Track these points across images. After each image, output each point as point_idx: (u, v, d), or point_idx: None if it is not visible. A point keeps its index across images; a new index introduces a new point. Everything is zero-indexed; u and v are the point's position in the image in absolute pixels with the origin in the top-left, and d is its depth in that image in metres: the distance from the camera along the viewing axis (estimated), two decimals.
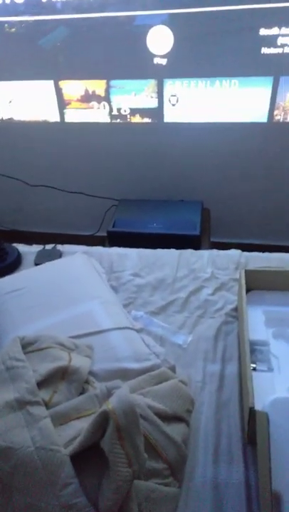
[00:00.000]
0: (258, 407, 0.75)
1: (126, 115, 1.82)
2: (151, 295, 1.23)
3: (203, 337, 1.07)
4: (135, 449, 0.68)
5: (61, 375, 0.84)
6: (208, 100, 1.72)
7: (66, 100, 1.84)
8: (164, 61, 1.65)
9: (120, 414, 0.68)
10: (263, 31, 1.52)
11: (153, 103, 1.77)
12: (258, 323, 1.04)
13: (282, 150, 1.82)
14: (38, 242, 1.47)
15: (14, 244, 1.44)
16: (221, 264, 1.32)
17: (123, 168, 2.00)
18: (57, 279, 1.20)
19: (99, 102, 1.81)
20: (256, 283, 1.12)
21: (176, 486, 0.75)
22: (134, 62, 1.68)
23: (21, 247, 1.43)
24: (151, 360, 0.95)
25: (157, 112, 1.80)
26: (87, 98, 1.81)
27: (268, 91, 1.66)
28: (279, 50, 1.55)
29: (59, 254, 1.39)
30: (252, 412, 0.75)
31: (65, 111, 1.87)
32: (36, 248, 1.43)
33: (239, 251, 1.38)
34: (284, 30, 1.51)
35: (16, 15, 1.64)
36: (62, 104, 1.85)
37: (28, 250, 1.42)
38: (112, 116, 1.84)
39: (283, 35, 1.52)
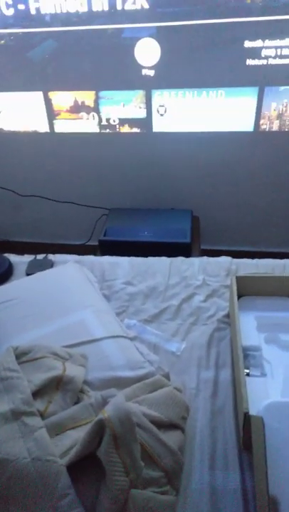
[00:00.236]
0: (252, 412, 0.76)
1: (115, 125, 1.85)
2: (144, 303, 1.23)
3: (197, 344, 1.08)
4: (132, 457, 0.68)
5: (56, 384, 0.84)
6: (196, 110, 1.75)
7: (56, 111, 1.85)
8: (151, 72, 1.68)
9: (116, 422, 0.68)
10: (248, 43, 1.56)
11: (141, 113, 1.80)
12: (250, 328, 1.06)
13: (268, 158, 1.86)
14: (29, 252, 1.47)
15: (5, 255, 1.43)
16: (212, 271, 1.34)
17: (113, 177, 2.02)
18: (49, 288, 1.20)
19: (88, 113, 1.83)
20: (247, 289, 1.14)
21: (173, 493, 0.75)
22: (123, 74, 1.70)
23: (12, 257, 1.43)
24: (146, 368, 0.95)
25: (146, 122, 1.82)
26: (77, 109, 1.82)
27: (253, 101, 1.70)
28: (263, 62, 1.59)
29: (50, 264, 1.39)
30: (247, 417, 0.75)
31: (54, 121, 1.88)
32: (28, 258, 1.43)
33: (229, 258, 1.39)
34: (267, 42, 1.55)
35: (5, 27, 1.65)
36: (51, 114, 1.86)
37: (19, 260, 1.42)
38: (101, 127, 1.86)
39: (267, 48, 1.57)
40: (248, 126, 1.77)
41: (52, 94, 1.81)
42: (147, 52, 1.63)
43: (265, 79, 1.63)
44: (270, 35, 1.53)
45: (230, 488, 0.77)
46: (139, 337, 1.09)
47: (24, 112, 1.87)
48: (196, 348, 1.07)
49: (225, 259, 1.39)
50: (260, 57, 1.58)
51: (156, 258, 1.41)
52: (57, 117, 1.87)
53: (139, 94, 1.75)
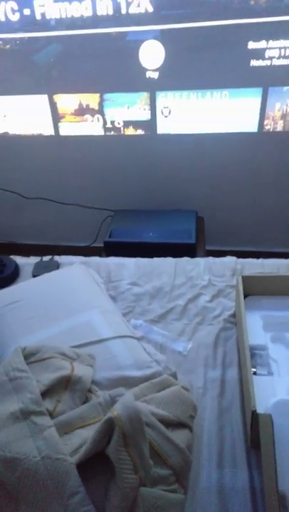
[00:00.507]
0: (259, 410, 0.76)
1: (119, 127, 1.86)
2: (150, 303, 1.24)
3: (203, 343, 1.09)
4: (141, 455, 0.69)
5: (64, 384, 0.85)
6: (200, 111, 1.76)
7: (60, 114, 1.86)
8: (156, 74, 1.69)
9: (126, 420, 0.68)
10: (252, 44, 1.57)
11: (146, 115, 1.81)
12: (256, 328, 1.06)
13: (272, 158, 1.86)
14: (35, 254, 1.48)
15: (11, 257, 1.44)
16: (218, 271, 1.34)
17: (118, 179, 2.03)
18: (55, 289, 1.21)
19: (93, 115, 1.84)
20: (253, 289, 1.14)
21: (181, 492, 0.75)
22: (127, 76, 1.71)
23: (19, 259, 1.44)
24: (153, 368, 0.96)
25: (150, 124, 1.83)
26: (81, 111, 1.84)
27: (257, 101, 1.70)
28: (267, 63, 1.60)
29: (57, 266, 1.40)
30: (255, 415, 0.76)
31: (59, 124, 1.89)
32: (34, 260, 1.44)
33: (235, 258, 1.39)
34: (271, 43, 1.56)
35: (11, 32, 1.67)
36: (56, 117, 1.88)
37: (25, 262, 1.43)
38: (106, 129, 1.87)
39: (270, 48, 1.57)
40: (252, 126, 1.77)
41: (57, 97, 1.82)
42: (151, 55, 1.64)
43: (269, 79, 1.64)
44: (273, 35, 1.54)
45: (239, 486, 0.77)
46: (146, 337, 1.09)
47: (29, 115, 1.89)
48: (203, 348, 1.07)
49: (230, 259, 1.39)
50: (264, 58, 1.59)
51: (162, 259, 1.41)
52: (62, 120, 1.88)
53: (144, 96, 1.76)
